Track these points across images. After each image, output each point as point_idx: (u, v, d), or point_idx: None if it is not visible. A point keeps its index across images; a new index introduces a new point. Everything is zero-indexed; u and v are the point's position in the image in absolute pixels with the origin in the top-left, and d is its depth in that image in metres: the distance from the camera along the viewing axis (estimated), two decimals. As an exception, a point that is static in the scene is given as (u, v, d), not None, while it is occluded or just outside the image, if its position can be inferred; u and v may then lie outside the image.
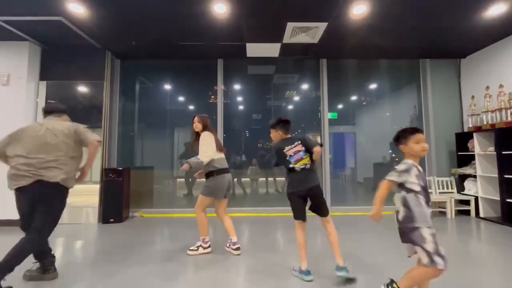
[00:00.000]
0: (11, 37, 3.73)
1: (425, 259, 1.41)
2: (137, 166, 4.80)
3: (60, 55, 4.13)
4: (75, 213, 3.91)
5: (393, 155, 5.33)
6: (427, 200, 1.47)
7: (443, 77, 4.74)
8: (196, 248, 2.61)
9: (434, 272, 1.41)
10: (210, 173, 2.58)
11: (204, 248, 2.60)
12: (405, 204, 1.48)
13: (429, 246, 1.40)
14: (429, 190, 4.43)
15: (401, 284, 1.50)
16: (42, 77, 4.10)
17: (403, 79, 5.11)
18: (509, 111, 3.71)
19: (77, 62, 4.15)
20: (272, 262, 2.39)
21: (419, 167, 1.52)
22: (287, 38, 3.86)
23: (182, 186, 4.98)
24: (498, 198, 3.71)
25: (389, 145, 5.36)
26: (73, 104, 4.19)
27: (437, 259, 1.38)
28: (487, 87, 4.10)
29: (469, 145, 4.22)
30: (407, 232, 1.47)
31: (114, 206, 3.96)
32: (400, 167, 1.51)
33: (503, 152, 3.65)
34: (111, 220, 3.89)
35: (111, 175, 3.99)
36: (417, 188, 1.47)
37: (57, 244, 2.98)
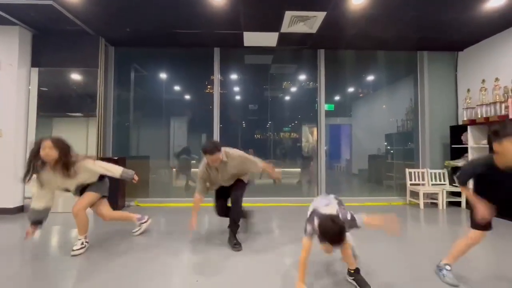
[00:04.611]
0: (0, 21, 3.61)
1: None
2: (132, 155, 4.78)
3: (52, 41, 4.01)
4: (71, 202, 3.89)
5: (388, 147, 5.39)
6: None
7: (440, 69, 4.74)
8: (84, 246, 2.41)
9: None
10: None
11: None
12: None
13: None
14: (421, 182, 4.47)
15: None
16: (34, 63, 3.99)
17: (400, 71, 5.11)
18: (503, 105, 3.74)
19: (70, 49, 4.03)
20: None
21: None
22: (285, 28, 3.81)
23: (178, 176, 4.97)
24: (488, 190, 3.79)
25: (384, 137, 5.40)
26: (66, 92, 4.10)
27: None
28: (483, 81, 4.12)
29: (462, 138, 4.28)
30: None
31: (110, 195, 3.92)
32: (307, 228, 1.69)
33: (496, 145, 3.70)
34: (107, 209, 3.88)
35: (106, 164, 3.95)
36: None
37: (53, 232, 2.98)
